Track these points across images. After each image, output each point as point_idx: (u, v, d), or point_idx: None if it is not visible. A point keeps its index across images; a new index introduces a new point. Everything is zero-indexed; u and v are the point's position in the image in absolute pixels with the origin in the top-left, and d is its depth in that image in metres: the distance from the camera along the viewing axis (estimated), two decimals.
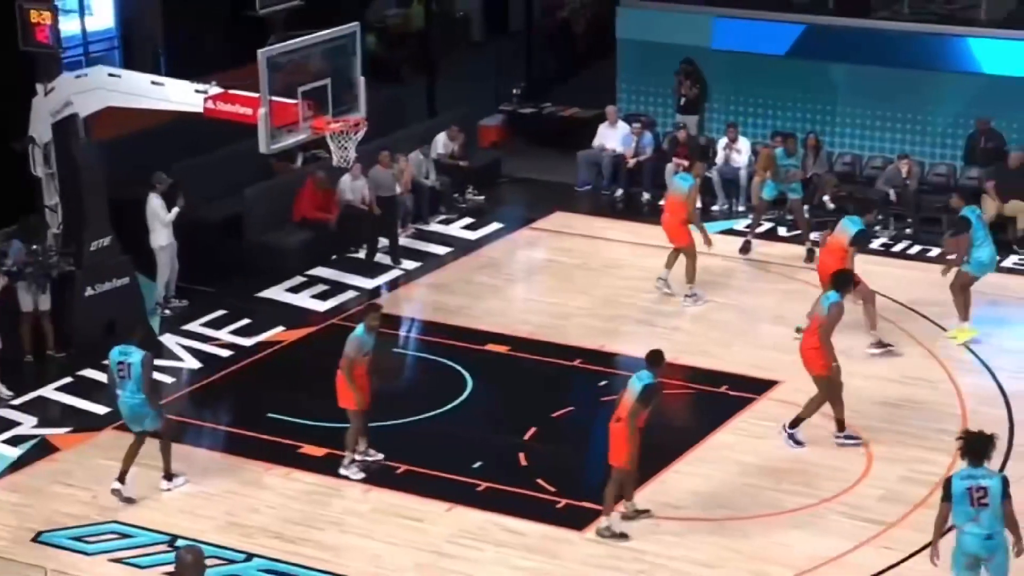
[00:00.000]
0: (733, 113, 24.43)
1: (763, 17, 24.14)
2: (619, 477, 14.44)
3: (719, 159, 23.56)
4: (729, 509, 14.95)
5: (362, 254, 21.51)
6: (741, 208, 23.20)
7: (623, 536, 14.48)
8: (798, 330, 17.26)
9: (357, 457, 15.70)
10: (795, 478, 15.31)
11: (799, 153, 21.69)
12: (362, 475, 15.58)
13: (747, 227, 21.88)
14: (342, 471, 15.58)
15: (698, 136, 24.35)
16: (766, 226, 22.21)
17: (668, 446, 16.08)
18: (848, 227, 18.25)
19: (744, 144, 23.49)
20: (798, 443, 16.00)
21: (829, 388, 15.85)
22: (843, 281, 16.18)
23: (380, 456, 15.84)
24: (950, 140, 23.33)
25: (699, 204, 20.55)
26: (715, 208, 23.30)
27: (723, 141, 23.62)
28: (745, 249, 21.39)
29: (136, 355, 14.95)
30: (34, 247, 18.24)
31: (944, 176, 23.14)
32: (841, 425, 16.08)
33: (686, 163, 21.54)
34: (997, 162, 22.31)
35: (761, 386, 17.33)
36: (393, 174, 21.65)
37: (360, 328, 15.50)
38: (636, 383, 14.33)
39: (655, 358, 14.48)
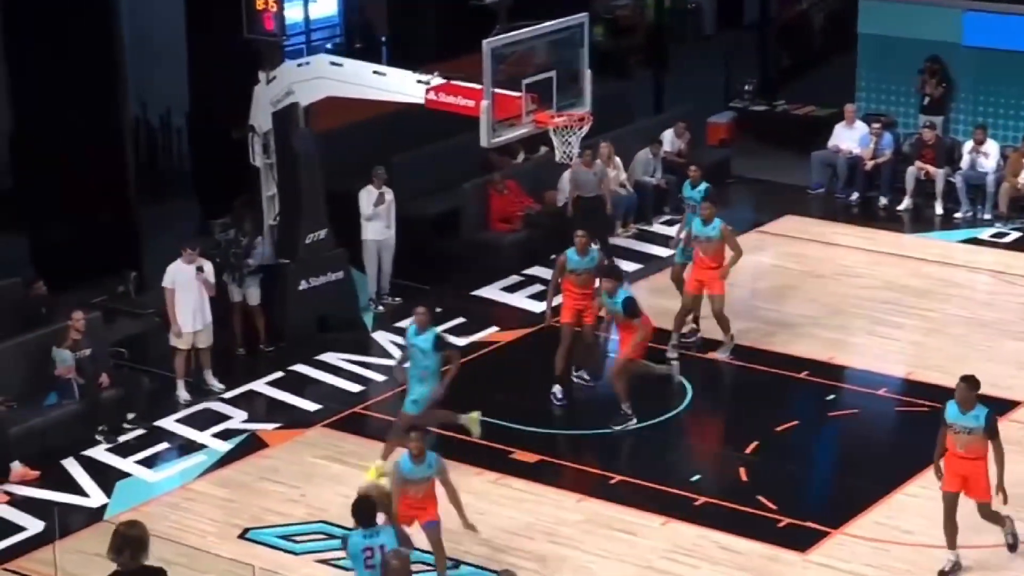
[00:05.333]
0: (981, 114, 23.56)
1: (1019, 11, 23.08)
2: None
3: (964, 163, 22.76)
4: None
5: None
6: (987, 216, 22.39)
7: None
8: None
9: None
10: None
11: None
12: None
13: None
14: None
15: (944, 138, 23.45)
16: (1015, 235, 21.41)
17: (899, 467, 15.47)
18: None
19: (992, 147, 22.62)
20: None
21: None
22: None
23: None
24: None
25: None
26: (958, 215, 22.50)
27: (969, 144, 22.81)
28: None
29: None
30: (238, 237, 18.15)
31: None
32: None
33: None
34: None
35: (1000, 406, 16.17)
36: (595, 173, 21.01)
37: (404, 457, 13.57)
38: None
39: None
